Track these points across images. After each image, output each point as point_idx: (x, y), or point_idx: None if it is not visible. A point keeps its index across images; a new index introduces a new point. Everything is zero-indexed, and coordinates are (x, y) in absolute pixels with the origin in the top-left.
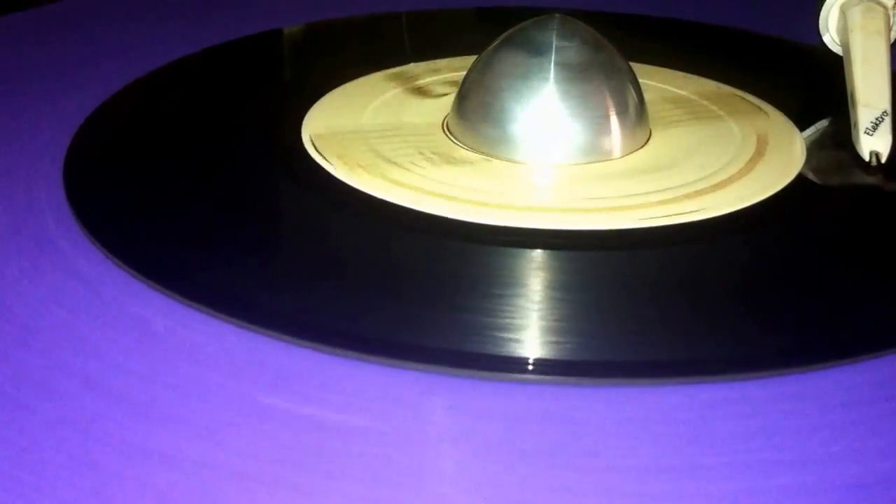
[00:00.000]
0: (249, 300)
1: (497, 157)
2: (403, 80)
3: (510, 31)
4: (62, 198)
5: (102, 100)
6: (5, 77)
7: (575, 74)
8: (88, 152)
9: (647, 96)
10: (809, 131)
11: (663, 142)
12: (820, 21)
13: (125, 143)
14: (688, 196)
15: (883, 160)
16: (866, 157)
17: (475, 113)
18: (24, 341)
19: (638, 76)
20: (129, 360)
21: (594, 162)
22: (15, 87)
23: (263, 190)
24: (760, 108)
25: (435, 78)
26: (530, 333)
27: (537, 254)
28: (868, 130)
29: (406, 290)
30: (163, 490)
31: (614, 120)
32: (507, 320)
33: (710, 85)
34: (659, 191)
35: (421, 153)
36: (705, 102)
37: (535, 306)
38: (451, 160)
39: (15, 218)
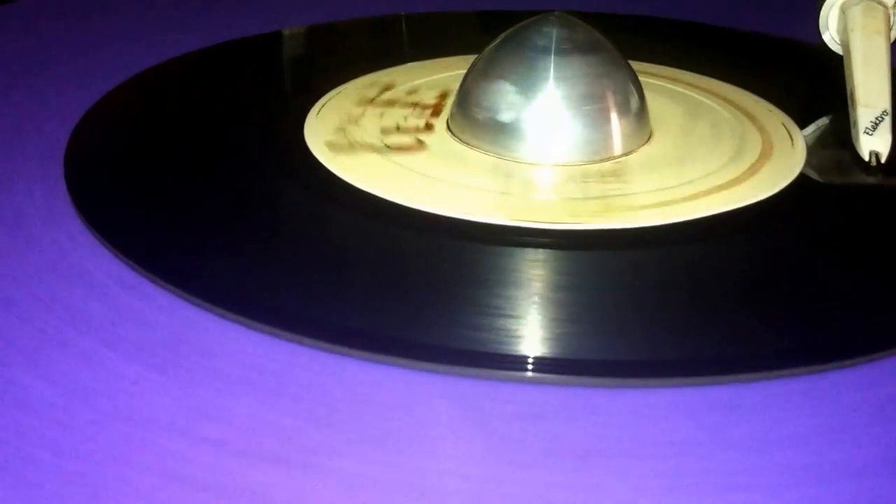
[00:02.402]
0: (249, 297)
1: (497, 157)
2: (404, 80)
3: (510, 30)
4: (63, 191)
5: (103, 94)
6: (6, 68)
7: (575, 73)
8: (90, 146)
9: (647, 95)
10: (810, 130)
11: (664, 141)
12: (820, 20)
13: (126, 138)
14: (688, 195)
15: (883, 160)
16: (866, 157)
17: (475, 112)
18: (24, 338)
19: (638, 75)
20: (129, 358)
21: (594, 161)
22: (16, 80)
23: (265, 188)
24: (761, 107)
25: (436, 77)
26: (530, 333)
27: (537, 253)
28: (868, 130)
29: (405, 289)
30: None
31: (615, 119)
32: (507, 319)
33: (710, 84)
34: (659, 190)
35: (421, 152)
36: (706, 101)
37: (535, 306)
38: (451, 159)
39: (15, 211)
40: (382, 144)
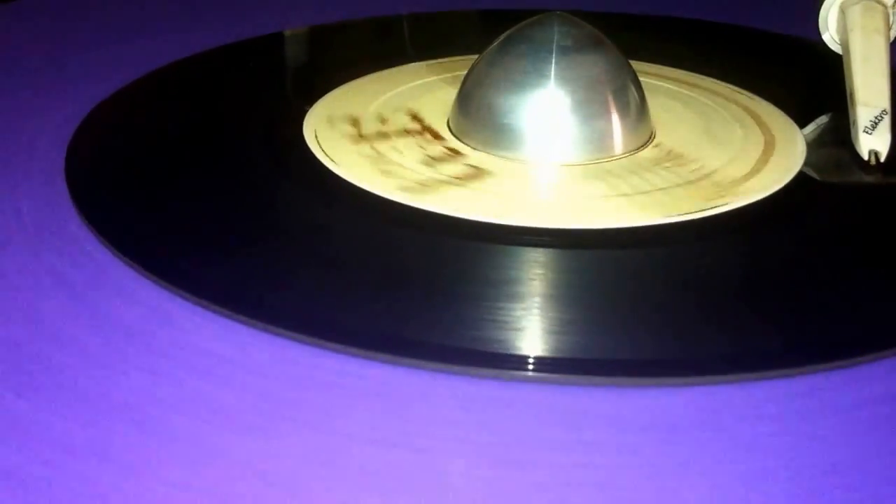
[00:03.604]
0: (252, 297)
1: (498, 156)
2: (405, 80)
3: (511, 30)
4: (65, 193)
5: (104, 97)
6: (8, 71)
7: (576, 73)
8: (91, 148)
9: (648, 95)
10: (809, 129)
11: (665, 140)
12: (820, 20)
13: (127, 141)
14: (688, 195)
15: (882, 159)
16: (865, 156)
17: (476, 112)
18: (26, 338)
19: (639, 75)
20: (131, 358)
21: (596, 161)
22: (17, 81)
23: (267, 189)
24: (761, 107)
25: (436, 78)
26: (531, 332)
27: (538, 253)
28: (867, 129)
29: (406, 288)
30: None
31: (616, 118)
32: (508, 319)
33: (711, 83)
34: (659, 190)
35: (422, 152)
36: (706, 101)
37: (536, 305)
38: (452, 159)
39: (17, 212)
40: (381, 145)
